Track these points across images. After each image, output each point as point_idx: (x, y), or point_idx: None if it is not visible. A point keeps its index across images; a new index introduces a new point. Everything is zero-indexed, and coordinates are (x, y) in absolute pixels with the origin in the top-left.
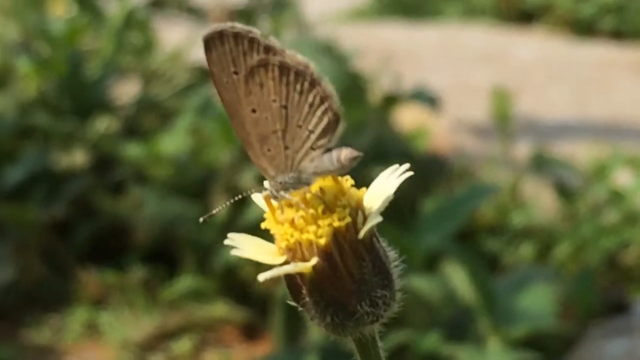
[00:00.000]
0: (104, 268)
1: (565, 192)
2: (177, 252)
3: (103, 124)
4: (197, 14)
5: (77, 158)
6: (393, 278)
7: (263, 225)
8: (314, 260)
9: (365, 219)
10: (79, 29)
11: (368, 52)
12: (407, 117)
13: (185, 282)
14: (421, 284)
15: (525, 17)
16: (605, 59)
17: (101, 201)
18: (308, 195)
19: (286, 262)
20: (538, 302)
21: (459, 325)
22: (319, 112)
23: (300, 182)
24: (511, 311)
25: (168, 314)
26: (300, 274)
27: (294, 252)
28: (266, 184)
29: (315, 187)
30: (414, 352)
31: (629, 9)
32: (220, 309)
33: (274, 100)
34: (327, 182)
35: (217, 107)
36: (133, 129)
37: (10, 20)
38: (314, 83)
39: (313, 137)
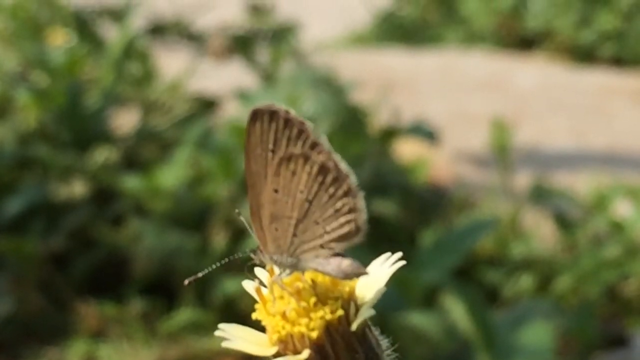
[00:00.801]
0: (103, 300)
1: (565, 223)
2: (176, 284)
3: (102, 155)
4: (197, 41)
5: (76, 189)
6: None
7: (254, 316)
8: (306, 353)
9: (357, 309)
10: (78, 59)
11: (366, 81)
12: (407, 149)
13: (184, 314)
14: (420, 319)
15: (525, 44)
16: (605, 87)
17: (100, 233)
18: (300, 285)
19: (278, 353)
20: (537, 338)
21: None
22: (342, 220)
23: (294, 268)
24: (510, 347)
25: (167, 347)
26: None
27: (286, 344)
28: (256, 255)
29: (307, 277)
30: None
31: (629, 36)
32: (219, 341)
33: (301, 192)
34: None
35: (216, 140)
36: (132, 160)
37: (10, 50)
38: (348, 193)
39: (327, 237)
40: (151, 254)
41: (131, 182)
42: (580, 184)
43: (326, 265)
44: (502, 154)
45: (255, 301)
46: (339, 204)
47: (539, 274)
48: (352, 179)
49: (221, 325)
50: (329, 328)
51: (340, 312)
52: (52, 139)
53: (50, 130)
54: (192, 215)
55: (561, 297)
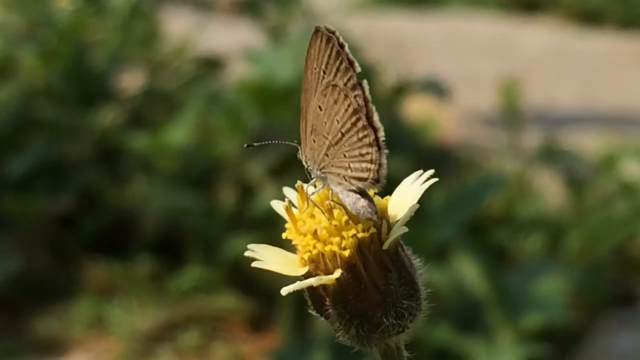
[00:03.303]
0: (111, 260)
1: (573, 183)
2: (184, 243)
3: (109, 115)
4: (202, 5)
5: (83, 149)
6: (419, 288)
7: (284, 236)
8: (338, 273)
9: (389, 228)
10: (84, 20)
11: (374, 44)
12: (415, 108)
13: (192, 273)
14: (430, 275)
15: (530, 8)
16: (611, 50)
17: (107, 193)
18: (331, 204)
19: (308, 273)
20: (549, 294)
21: (468, 318)
22: (364, 165)
23: (322, 181)
24: (522, 303)
25: (175, 306)
26: (324, 286)
27: (317, 264)
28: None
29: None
30: (424, 344)
31: (635, 0)
32: (227, 300)
33: (337, 122)
34: None
35: (226, 98)
36: (139, 120)
37: (15, 12)
38: (374, 144)
39: (349, 173)
40: (159, 214)
41: (139, 141)
42: (588, 144)
43: (345, 197)
44: (511, 113)
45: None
46: (364, 150)
47: (548, 234)
48: (381, 133)
49: (251, 246)
50: (361, 247)
51: (372, 230)
52: (58, 99)
53: (56, 91)
54: (200, 175)
55: (570, 256)
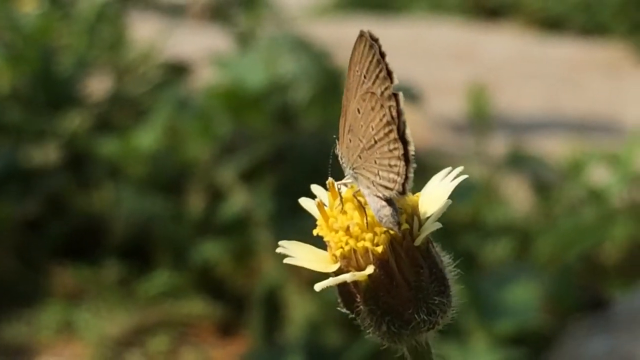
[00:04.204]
0: (79, 265)
1: (541, 189)
2: (153, 248)
3: (76, 120)
4: (172, 10)
5: (50, 154)
6: (449, 284)
7: (315, 232)
8: (371, 269)
9: (420, 224)
10: (50, 24)
11: (340, 50)
12: None
13: (160, 278)
14: None
15: (492, 14)
16: (574, 57)
17: (75, 198)
18: (363, 200)
19: (340, 270)
20: (522, 299)
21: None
22: (392, 176)
23: (354, 180)
24: (495, 307)
25: (144, 311)
26: (355, 282)
27: (349, 260)
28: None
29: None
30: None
31: (596, 7)
32: (196, 305)
33: (372, 128)
34: None
35: (195, 103)
36: (106, 125)
37: None
38: (403, 157)
39: (377, 179)
40: (127, 218)
41: (107, 146)
42: (554, 150)
43: (371, 202)
44: (479, 119)
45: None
46: (393, 162)
47: (516, 239)
48: (411, 147)
49: (282, 242)
50: (393, 243)
51: (405, 225)
52: (25, 103)
53: (23, 95)
54: (170, 180)
55: (539, 262)
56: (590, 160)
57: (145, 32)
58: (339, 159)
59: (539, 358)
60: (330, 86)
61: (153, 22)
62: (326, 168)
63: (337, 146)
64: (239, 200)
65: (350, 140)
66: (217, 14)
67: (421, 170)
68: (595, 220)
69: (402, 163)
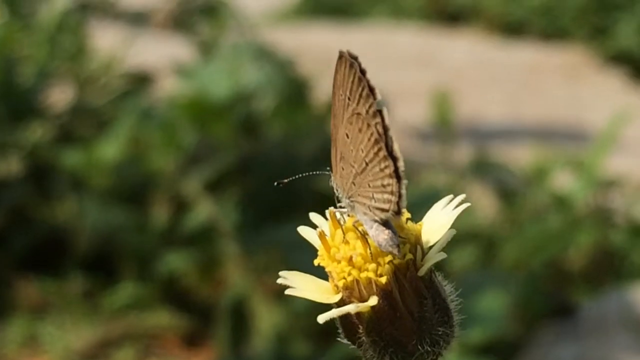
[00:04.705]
0: (43, 278)
1: (505, 196)
2: (118, 260)
3: (38, 131)
4: (136, 20)
5: (12, 166)
6: (452, 314)
7: (316, 262)
8: (374, 300)
9: (423, 254)
10: (11, 35)
11: (302, 58)
12: None
13: (126, 290)
14: None
15: (452, 19)
16: (535, 61)
17: (38, 210)
18: (364, 230)
19: (342, 301)
20: (490, 307)
21: None
22: (386, 196)
23: (350, 209)
24: (463, 316)
25: (109, 323)
26: (357, 313)
27: (351, 291)
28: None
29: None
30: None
31: (556, 11)
32: (161, 317)
33: (362, 151)
34: None
35: (159, 113)
36: (68, 136)
37: None
38: (394, 176)
39: (373, 203)
40: (92, 230)
41: (70, 158)
42: (518, 156)
43: (368, 228)
44: (443, 127)
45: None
46: (385, 181)
47: (482, 247)
48: (400, 164)
49: (282, 273)
50: (396, 273)
51: (409, 255)
52: None
53: None
54: (134, 191)
55: (505, 269)
56: (555, 166)
57: (106, 41)
58: (334, 190)
59: None
60: (294, 95)
61: (115, 31)
62: (291, 177)
63: (332, 178)
64: (203, 210)
65: (342, 169)
66: (180, 23)
67: None
68: (560, 227)
69: (394, 181)
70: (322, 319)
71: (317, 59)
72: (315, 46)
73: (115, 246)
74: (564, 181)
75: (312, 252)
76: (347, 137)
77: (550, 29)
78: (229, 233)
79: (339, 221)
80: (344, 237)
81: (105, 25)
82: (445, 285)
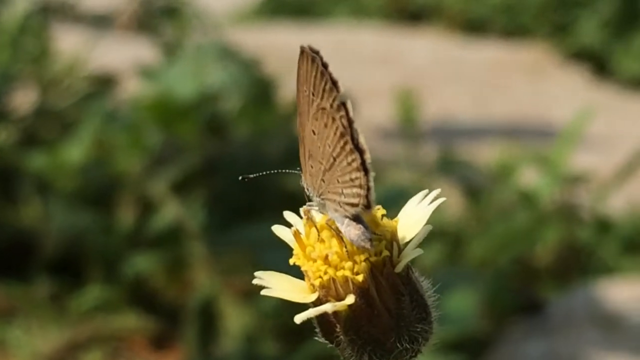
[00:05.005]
0: (9, 281)
1: (472, 193)
2: (84, 263)
3: (1, 135)
4: (99, 21)
5: None
6: (430, 311)
7: (292, 262)
8: (351, 298)
9: (400, 250)
10: None
11: (266, 58)
12: None
13: (92, 293)
14: None
15: (414, 18)
16: (497, 59)
17: (3, 213)
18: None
19: (318, 300)
20: (460, 305)
21: None
22: (355, 190)
23: (322, 208)
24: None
25: (77, 326)
26: (335, 312)
27: (328, 290)
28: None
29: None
30: (338, 356)
31: (517, 9)
32: (129, 319)
33: (329, 146)
34: None
35: (124, 115)
36: (31, 139)
37: None
38: (361, 169)
39: (343, 199)
40: (58, 233)
41: (35, 161)
42: (483, 154)
43: (340, 224)
44: (407, 125)
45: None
46: (353, 175)
47: (449, 244)
48: (367, 156)
49: (258, 273)
50: (373, 271)
51: (385, 252)
52: None
53: None
54: (100, 193)
55: (472, 266)
56: (520, 163)
57: (69, 44)
58: (305, 190)
59: None
60: (260, 94)
61: (77, 33)
62: (258, 177)
63: (302, 178)
64: (170, 211)
65: (311, 167)
66: (144, 25)
67: None
68: (527, 223)
69: (362, 173)
70: (299, 319)
71: (280, 59)
72: (278, 46)
73: (81, 249)
74: (529, 178)
75: (281, 251)
76: (314, 133)
77: (511, 27)
78: (196, 234)
79: (312, 219)
80: (318, 236)
81: (68, 27)
82: (422, 282)
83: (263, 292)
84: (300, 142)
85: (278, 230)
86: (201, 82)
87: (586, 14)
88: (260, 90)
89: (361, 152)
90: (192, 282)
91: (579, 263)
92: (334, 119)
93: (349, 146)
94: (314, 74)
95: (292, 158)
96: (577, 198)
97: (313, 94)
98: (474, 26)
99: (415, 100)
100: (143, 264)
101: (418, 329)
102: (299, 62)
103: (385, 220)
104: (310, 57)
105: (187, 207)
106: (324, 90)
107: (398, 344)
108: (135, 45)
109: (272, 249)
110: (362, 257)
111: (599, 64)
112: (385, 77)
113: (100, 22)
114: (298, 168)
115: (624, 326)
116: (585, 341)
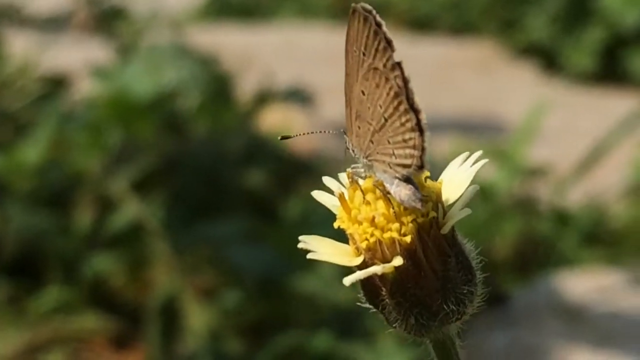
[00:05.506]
0: None
1: None
2: (43, 264)
3: None
4: (54, 22)
5: None
6: (475, 272)
7: (336, 225)
8: (399, 260)
9: (444, 212)
10: None
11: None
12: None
13: (52, 294)
14: (307, 283)
15: None
16: (446, 56)
17: None
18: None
19: (364, 263)
20: None
21: (346, 323)
22: (407, 151)
23: (368, 170)
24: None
25: (36, 328)
26: (381, 275)
27: (374, 252)
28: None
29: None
30: (305, 354)
31: (464, 6)
32: (89, 320)
33: (380, 107)
34: None
35: (81, 115)
36: None
37: None
38: (416, 129)
39: (393, 159)
40: (16, 235)
41: None
42: (438, 149)
43: (390, 185)
44: None
45: None
46: (407, 135)
47: None
48: (422, 116)
49: (302, 237)
50: (420, 232)
51: (432, 213)
52: None
53: None
54: (58, 193)
55: None
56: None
57: (19, 47)
58: (351, 152)
59: None
60: (218, 92)
61: (27, 36)
62: (219, 174)
63: (347, 140)
64: (130, 210)
65: (359, 127)
66: (100, 26)
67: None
68: (486, 217)
69: (417, 134)
70: (347, 281)
71: (230, 59)
72: (226, 47)
73: (40, 250)
74: (485, 172)
75: (243, 246)
76: (363, 94)
77: (458, 24)
78: (157, 232)
79: (357, 182)
80: (364, 198)
81: (19, 30)
82: (465, 244)
83: (309, 256)
84: (347, 103)
85: (319, 195)
86: (158, 80)
87: (533, 10)
88: (218, 86)
89: (417, 112)
90: (153, 280)
91: (538, 255)
92: (387, 79)
93: (404, 106)
94: (366, 33)
95: (252, 154)
96: (535, 191)
97: (364, 54)
98: (421, 24)
99: None
100: (102, 263)
101: (464, 291)
102: (349, 22)
103: (429, 182)
104: (363, 16)
105: (147, 206)
106: (376, 49)
107: (444, 306)
108: (89, 46)
109: (234, 245)
110: (410, 219)
111: (548, 59)
112: (335, 76)
113: (51, 24)
114: (342, 130)
115: (585, 317)
116: (548, 332)
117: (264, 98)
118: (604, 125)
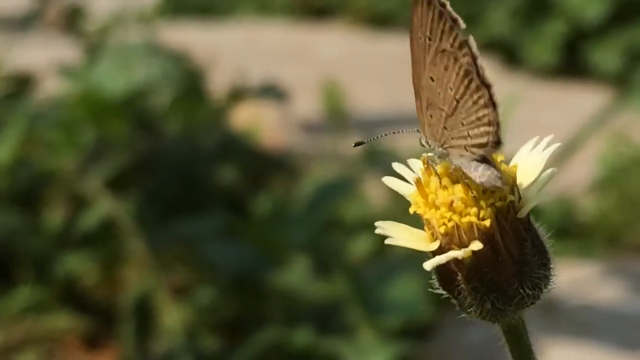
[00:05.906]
0: None
1: None
2: (14, 264)
3: None
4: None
5: None
6: (550, 256)
7: (412, 210)
8: (478, 245)
9: (520, 196)
10: None
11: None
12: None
13: (23, 294)
14: (287, 278)
15: (319, 13)
16: (406, 52)
17: None
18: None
19: (440, 248)
20: (406, 292)
21: (326, 318)
22: (482, 129)
23: (444, 158)
24: (381, 302)
25: (9, 328)
26: (457, 260)
27: (451, 237)
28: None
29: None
30: (285, 349)
31: None
32: (61, 319)
33: (451, 89)
34: None
35: (52, 114)
36: None
37: None
38: (489, 104)
39: (470, 141)
40: None
41: None
42: (404, 144)
43: (468, 168)
44: (336, 117)
45: None
46: (480, 113)
47: (376, 235)
48: (494, 90)
49: (379, 223)
50: (497, 216)
51: (510, 197)
52: None
53: None
54: (29, 193)
55: (405, 256)
56: None
57: None
58: (425, 145)
59: (418, 348)
60: (190, 88)
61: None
62: (193, 171)
63: (420, 134)
64: (102, 208)
65: (431, 116)
66: (69, 24)
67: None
68: None
69: (490, 109)
70: (428, 265)
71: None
72: (186, 45)
73: (10, 250)
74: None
75: (218, 243)
76: (432, 80)
77: None
78: (130, 230)
79: (433, 167)
80: (440, 183)
81: None
82: (539, 228)
83: (387, 241)
84: (416, 95)
85: (390, 181)
86: (129, 77)
87: (493, 4)
88: (190, 83)
89: (488, 87)
90: (127, 279)
91: None
92: (456, 59)
93: (475, 83)
94: (430, 16)
95: (226, 150)
96: None
97: (429, 38)
98: (380, 20)
99: (341, 92)
100: (74, 262)
101: (540, 275)
102: (412, 9)
103: (503, 166)
104: (439, 10)
105: (120, 203)
106: (442, 31)
107: (521, 290)
108: (56, 45)
109: (209, 241)
110: (488, 203)
111: (509, 54)
112: (297, 73)
113: (15, 23)
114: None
115: (561, 309)
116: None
117: (237, 94)
118: (568, 119)
